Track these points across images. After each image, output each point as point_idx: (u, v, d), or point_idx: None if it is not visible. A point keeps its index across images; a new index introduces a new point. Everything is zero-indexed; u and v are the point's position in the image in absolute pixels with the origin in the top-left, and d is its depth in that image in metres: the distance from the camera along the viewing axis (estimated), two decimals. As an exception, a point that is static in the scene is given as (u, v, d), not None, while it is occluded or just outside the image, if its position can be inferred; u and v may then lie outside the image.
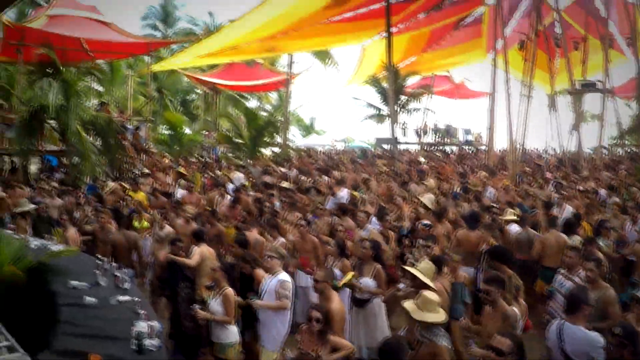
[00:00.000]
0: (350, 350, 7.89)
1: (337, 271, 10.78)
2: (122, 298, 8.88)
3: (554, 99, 39.55)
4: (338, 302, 8.88)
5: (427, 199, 17.06)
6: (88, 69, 30.82)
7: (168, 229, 14.33)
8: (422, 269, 9.25)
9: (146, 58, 38.80)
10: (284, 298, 9.47)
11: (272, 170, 27.77)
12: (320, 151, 52.07)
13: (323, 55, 45.45)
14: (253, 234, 13.34)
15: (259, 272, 10.40)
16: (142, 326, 7.41)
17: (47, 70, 26.31)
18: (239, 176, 25.20)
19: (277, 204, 18.09)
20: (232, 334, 9.51)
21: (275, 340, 9.37)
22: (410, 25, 40.37)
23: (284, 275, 9.76)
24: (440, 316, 7.72)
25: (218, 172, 26.98)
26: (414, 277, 9.01)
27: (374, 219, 15.37)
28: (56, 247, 12.32)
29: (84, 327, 7.73)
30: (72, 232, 14.68)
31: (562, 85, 42.07)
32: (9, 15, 37.15)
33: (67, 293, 9.21)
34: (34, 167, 30.53)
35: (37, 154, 28.14)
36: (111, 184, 22.05)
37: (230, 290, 9.43)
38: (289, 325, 9.71)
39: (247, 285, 10.37)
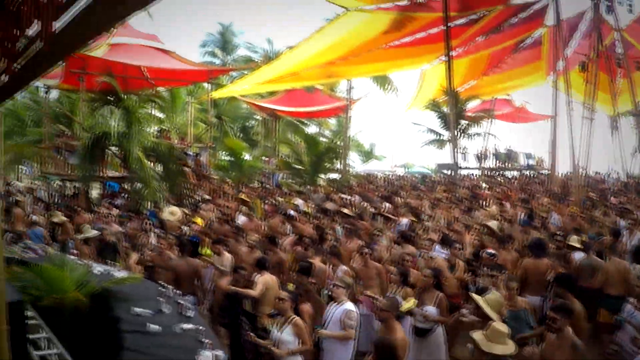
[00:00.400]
0: None
1: (399, 299, 10.59)
2: (185, 326, 8.76)
3: (617, 121, 38.91)
4: (401, 333, 8.71)
5: (492, 225, 16.75)
6: (149, 97, 31.17)
7: (226, 255, 14.20)
8: (489, 300, 9.01)
9: (206, 85, 38.99)
10: (349, 328, 9.28)
11: (334, 196, 27.59)
12: (380, 177, 51.75)
13: (382, 81, 45.28)
14: (315, 262, 13.15)
15: (305, 307, 10.19)
16: (206, 355, 7.29)
17: (109, 97, 26.64)
18: (299, 202, 25.08)
19: (339, 230, 17.89)
20: None
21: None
22: (469, 49, 40.07)
23: (349, 305, 9.57)
24: (509, 348, 7.51)
25: (279, 199, 26.84)
26: (478, 307, 8.79)
27: (437, 246, 15.10)
28: (120, 273, 12.27)
29: (147, 354, 7.64)
30: (134, 258, 14.67)
31: (624, 106, 41.25)
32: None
33: (130, 320, 9.12)
34: (95, 193, 30.85)
35: (98, 180, 28.39)
36: (174, 209, 22.08)
37: (299, 319, 9.23)
38: (353, 355, 9.51)
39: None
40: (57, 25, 3.12)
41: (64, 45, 3.00)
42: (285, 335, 9.17)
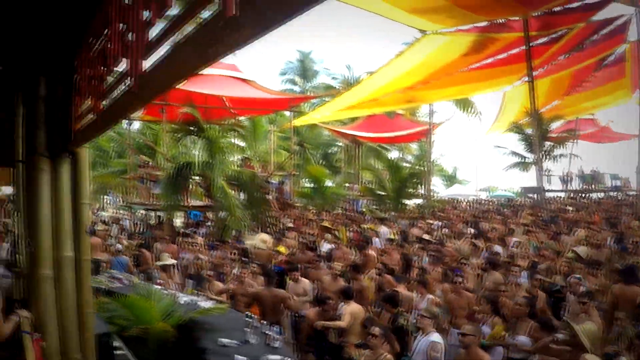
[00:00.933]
0: None
1: (487, 329, 10.37)
2: (272, 357, 8.73)
3: None
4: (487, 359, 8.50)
5: (581, 250, 16.37)
6: (230, 126, 31.42)
7: (304, 282, 14.14)
8: (586, 330, 8.70)
9: (287, 112, 39.21)
10: None
11: (418, 223, 27.34)
12: (464, 202, 51.24)
13: (464, 104, 44.87)
14: (401, 290, 12.98)
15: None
16: (292, 385, 7.24)
17: (191, 128, 26.91)
18: (384, 230, 24.90)
19: (425, 258, 17.65)
20: None
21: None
22: (550, 68, 39.47)
23: (435, 337, 9.33)
24: None
25: (363, 226, 26.67)
26: (574, 335, 8.51)
27: (524, 273, 14.78)
28: (205, 303, 12.33)
29: (235, 386, 7.62)
30: (218, 287, 14.73)
31: None
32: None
33: (217, 350, 9.15)
34: (179, 222, 31.19)
35: (182, 209, 28.70)
36: (264, 237, 22.15)
37: (389, 356, 8.94)
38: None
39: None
40: (146, 64, 3.13)
41: (154, 86, 3.01)
42: None
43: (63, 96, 5.55)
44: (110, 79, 4.00)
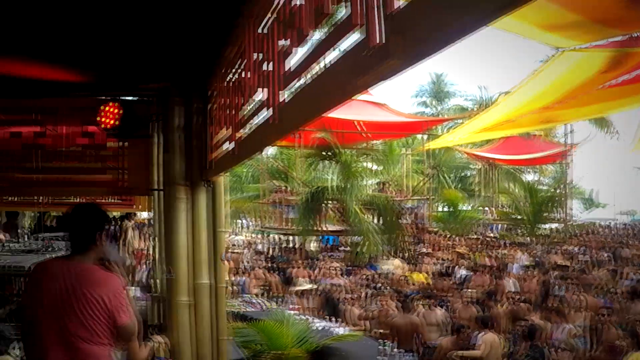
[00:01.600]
0: None
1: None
2: (408, 388, 8.62)
3: None
4: None
5: None
6: (364, 150, 31.46)
7: (437, 311, 13.90)
8: None
9: (420, 136, 38.99)
10: None
11: (558, 248, 26.66)
12: (604, 226, 49.81)
13: (601, 123, 43.62)
14: (535, 319, 12.59)
15: None
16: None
17: (325, 152, 27.05)
18: (520, 256, 24.36)
19: (564, 286, 17.11)
20: None
21: None
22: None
23: None
24: None
25: (500, 251, 26.14)
26: None
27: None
28: (339, 329, 12.31)
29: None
30: (356, 313, 14.69)
31: None
32: (286, 102, 38.87)
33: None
34: (313, 246, 31.35)
35: (316, 234, 28.81)
36: (397, 263, 22.06)
37: None
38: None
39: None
40: (285, 94, 3.09)
41: (294, 117, 2.97)
42: None
43: (199, 125, 5.63)
44: (249, 110, 4.01)
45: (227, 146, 4.56)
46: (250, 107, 3.94)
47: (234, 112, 4.26)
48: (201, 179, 5.62)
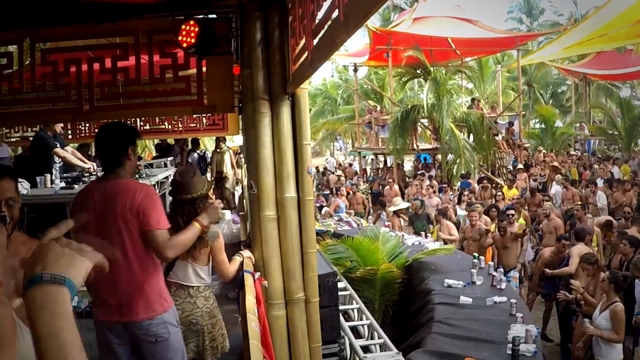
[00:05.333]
0: None
1: None
2: (498, 299, 8.60)
3: None
4: None
5: None
6: (457, 67, 31.03)
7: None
8: None
9: (514, 52, 38.22)
10: None
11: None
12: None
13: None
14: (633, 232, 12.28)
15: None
16: (518, 330, 7.09)
17: (417, 71, 26.81)
18: (616, 170, 23.93)
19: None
20: (618, 352, 8.54)
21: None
22: None
23: None
24: None
25: (595, 166, 25.73)
26: None
27: None
28: (432, 244, 12.34)
29: (458, 328, 7.57)
30: (449, 227, 14.71)
31: None
32: (374, 21, 38.50)
33: (442, 291, 9.13)
34: (408, 165, 31.32)
35: (410, 152, 28.71)
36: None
37: (620, 306, 8.44)
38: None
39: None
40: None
41: (358, 11, 2.92)
42: (600, 319, 8.56)
43: (279, 38, 5.59)
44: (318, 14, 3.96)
45: (305, 56, 4.53)
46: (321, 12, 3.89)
47: (308, 21, 4.22)
48: (283, 92, 5.60)
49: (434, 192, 19.89)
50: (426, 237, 13.88)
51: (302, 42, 4.68)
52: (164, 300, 4.54)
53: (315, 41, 4.17)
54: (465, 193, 19.08)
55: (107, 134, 4.55)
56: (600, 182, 19.93)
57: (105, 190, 4.35)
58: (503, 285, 9.40)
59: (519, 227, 13.38)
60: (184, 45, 5.78)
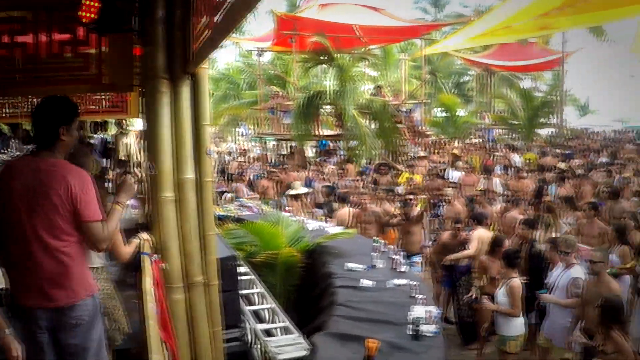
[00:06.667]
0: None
1: (614, 257, 10.03)
2: (398, 281, 8.70)
3: None
4: (615, 287, 8.29)
5: None
6: (361, 55, 31.14)
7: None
8: None
9: (418, 41, 38.60)
10: (575, 297, 8.66)
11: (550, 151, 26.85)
12: (596, 132, 50.07)
13: (597, 31, 43.29)
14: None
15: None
16: (419, 311, 7.17)
17: (321, 57, 26.84)
18: (515, 158, 24.52)
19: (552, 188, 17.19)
20: (517, 326, 8.89)
21: (564, 336, 8.63)
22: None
23: (577, 271, 8.83)
24: None
25: (496, 154, 26.27)
26: None
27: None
28: (333, 229, 12.39)
29: (360, 310, 7.61)
30: (347, 212, 14.78)
31: None
32: (280, 6, 38.42)
33: (343, 275, 9.18)
34: (310, 151, 31.38)
35: (313, 139, 28.75)
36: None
37: (517, 282, 8.81)
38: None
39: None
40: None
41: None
42: (499, 295, 8.89)
43: (181, 17, 5.49)
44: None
45: (207, 33, 4.46)
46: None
47: (210, -2, 4.16)
48: (184, 72, 5.51)
49: (336, 178, 20.05)
50: (328, 221, 13.96)
51: (204, 19, 4.61)
52: (88, 284, 4.43)
53: (216, 18, 4.09)
54: (362, 177, 19.28)
55: (43, 109, 4.40)
56: (498, 170, 20.40)
57: (37, 167, 4.19)
58: (404, 268, 9.52)
59: (419, 212, 13.55)
60: (84, 20, 5.62)
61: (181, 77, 5.55)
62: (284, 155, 31.68)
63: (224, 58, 49.72)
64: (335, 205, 15.41)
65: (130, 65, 6.37)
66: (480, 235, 11.26)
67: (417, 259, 12.69)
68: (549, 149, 28.21)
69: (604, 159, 24.36)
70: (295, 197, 16.58)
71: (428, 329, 6.81)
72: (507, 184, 18.20)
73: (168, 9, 5.54)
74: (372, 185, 17.84)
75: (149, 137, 5.68)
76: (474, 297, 10.01)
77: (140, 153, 16.95)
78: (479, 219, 11.97)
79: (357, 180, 19.11)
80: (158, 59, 5.53)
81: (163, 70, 5.51)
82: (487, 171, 19.19)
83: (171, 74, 5.54)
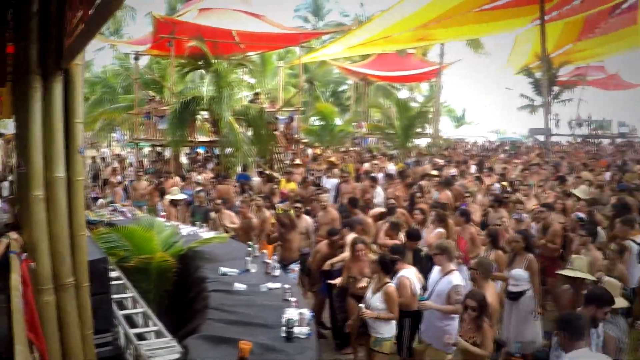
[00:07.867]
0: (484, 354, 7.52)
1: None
2: (272, 285, 8.77)
3: None
4: (492, 292, 8.62)
5: (580, 190, 16.76)
6: (239, 61, 31.06)
7: (305, 219, 14.08)
8: (576, 266, 8.99)
9: (297, 49, 38.81)
10: (457, 304, 8.80)
11: (425, 159, 27.46)
12: (471, 142, 51.51)
13: (475, 45, 44.49)
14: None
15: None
16: (292, 314, 7.24)
17: (199, 62, 26.70)
18: (390, 167, 24.93)
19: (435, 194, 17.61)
20: (390, 328, 9.06)
21: (442, 340, 8.78)
22: (564, 12, 38.74)
23: (456, 278, 8.94)
24: (621, 301, 7.60)
25: (372, 162, 26.58)
26: (574, 279, 8.82)
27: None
28: (207, 234, 12.38)
29: (233, 313, 7.62)
30: (230, 217, 14.82)
31: None
32: (159, 9, 37.99)
33: (217, 279, 9.19)
34: (186, 157, 31.14)
35: (188, 145, 28.53)
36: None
37: (392, 287, 8.93)
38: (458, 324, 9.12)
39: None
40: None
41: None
42: (374, 301, 8.94)
43: (56, 11, 5.36)
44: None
45: (81, 27, 4.37)
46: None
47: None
48: (57, 68, 5.38)
49: (211, 184, 20.04)
50: (203, 227, 13.92)
51: (79, 14, 4.52)
52: None
53: (90, 11, 4.02)
54: (246, 187, 19.28)
55: None
56: (380, 178, 20.81)
57: None
58: (277, 272, 9.61)
59: (292, 220, 13.63)
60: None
61: (54, 72, 5.42)
62: (154, 161, 31.43)
63: (101, 61, 48.98)
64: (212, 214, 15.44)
65: (2, 59, 6.18)
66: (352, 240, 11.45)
67: (295, 266, 12.73)
68: (427, 158, 28.82)
69: (473, 168, 25.06)
70: (173, 202, 16.50)
71: (301, 330, 6.88)
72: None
73: (43, 2, 5.39)
74: (247, 194, 17.83)
75: (20, 133, 5.53)
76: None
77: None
78: (350, 225, 12.17)
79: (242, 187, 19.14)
80: (32, 53, 5.38)
81: (36, 65, 5.37)
82: (373, 179, 19.45)
83: (44, 69, 5.39)
